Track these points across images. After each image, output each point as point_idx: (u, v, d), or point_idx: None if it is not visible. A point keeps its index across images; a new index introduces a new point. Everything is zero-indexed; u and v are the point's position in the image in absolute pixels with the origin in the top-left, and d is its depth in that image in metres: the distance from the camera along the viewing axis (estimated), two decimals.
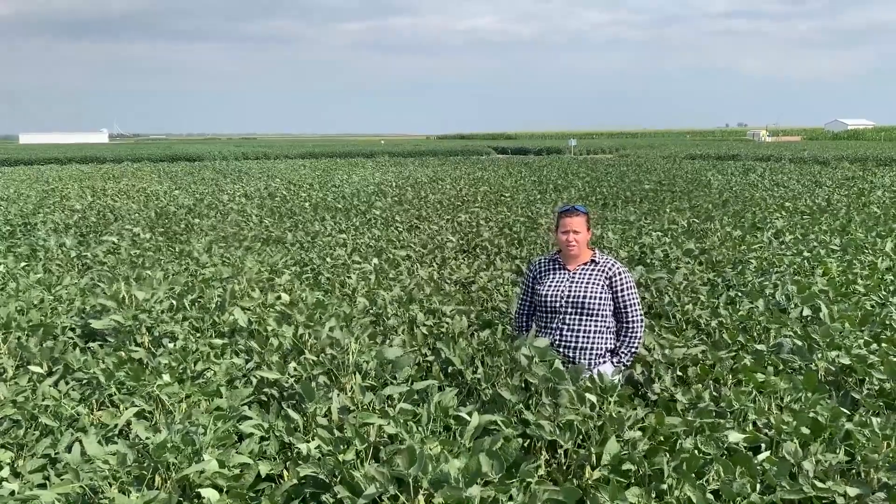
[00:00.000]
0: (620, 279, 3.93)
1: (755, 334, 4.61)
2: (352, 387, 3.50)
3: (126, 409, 3.34)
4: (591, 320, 3.87)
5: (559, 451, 2.94)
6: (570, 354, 3.87)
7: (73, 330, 4.84)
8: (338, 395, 3.28)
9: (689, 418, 3.04)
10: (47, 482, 2.79)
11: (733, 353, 4.03)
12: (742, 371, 3.69)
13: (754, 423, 3.22)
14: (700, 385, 3.63)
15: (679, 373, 3.95)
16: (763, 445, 2.98)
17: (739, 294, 5.60)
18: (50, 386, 3.49)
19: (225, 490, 2.61)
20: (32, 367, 3.77)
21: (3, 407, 3.16)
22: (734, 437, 2.92)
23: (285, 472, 2.89)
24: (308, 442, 2.83)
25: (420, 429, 2.84)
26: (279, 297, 5.35)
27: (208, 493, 2.47)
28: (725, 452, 2.85)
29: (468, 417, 2.93)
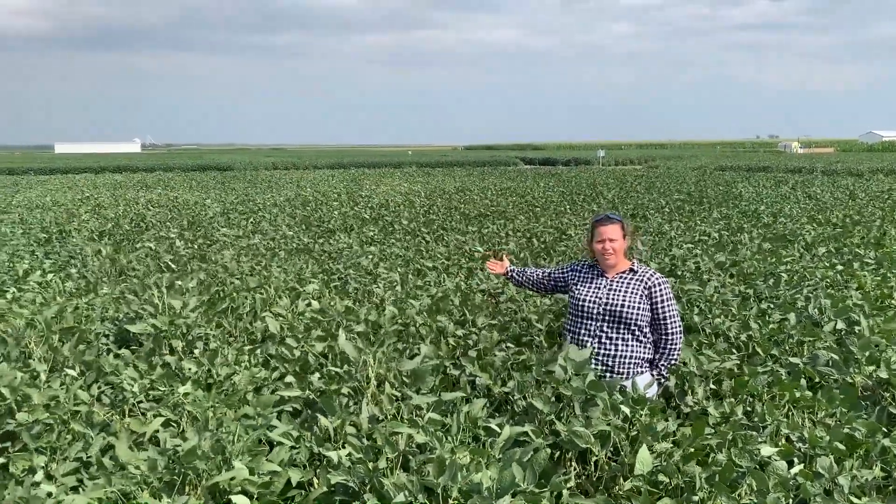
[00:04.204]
0: (659, 290, 3.86)
1: (787, 347, 4.55)
2: (379, 397, 3.51)
3: (154, 416, 3.38)
4: (627, 330, 3.83)
5: (590, 461, 2.92)
6: (608, 363, 3.83)
7: (106, 336, 4.92)
8: (367, 404, 3.29)
9: (723, 430, 3.01)
10: (80, 485, 2.83)
11: (768, 369, 3.97)
12: (777, 385, 3.63)
13: (787, 438, 3.18)
14: (733, 399, 3.58)
15: (713, 386, 3.90)
16: (796, 460, 2.93)
17: (771, 307, 5.53)
18: (82, 390, 3.55)
19: (255, 497, 2.63)
20: (67, 370, 3.83)
21: (36, 410, 3.21)
22: (767, 450, 2.87)
23: (315, 480, 2.90)
24: (338, 450, 2.84)
25: (450, 438, 2.83)
26: (309, 305, 5.39)
27: (239, 499, 2.49)
28: (758, 466, 2.82)
29: (497, 429, 2.93)
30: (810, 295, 5.77)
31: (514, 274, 4.53)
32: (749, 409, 3.52)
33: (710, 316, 5.17)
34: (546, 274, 4.37)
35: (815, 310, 5.26)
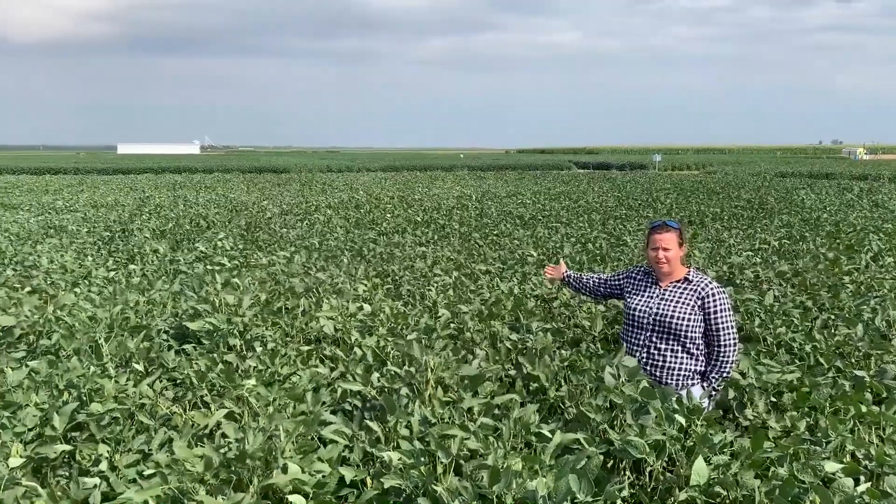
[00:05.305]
0: (713, 300, 3.75)
1: (853, 360, 4.40)
2: (431, 400, 3.51)
3: (217, 409, 3.45)
4: (677, 342, 3.75)
5: (644, 471, 2.87)
6: (657, 374, 3.76)
7: (166, 332, 5.05)
8: (419, 406, 3.29)
9: (784, 443, 2.92)
10: (138, 477, 2.90)
11: (831, 381, 3.85)
12: (841, 399, 3.51)
13: (853, 454, 3.07)
14: (795, 412, 3.48)
15: (773, 398, 3.80)
16: (863, 478, 2.83)
17: (834, 318, 5.36)
18: (147, 385, 3.65)
19: (311, 496, 2.66)
20: (134, 365, 3.95)
21: (107, 401, 3.32)
22: (831, 466, 2.78)
23: (368, 480, 2.92)
24: (391, 452, 2.86)
25: (501, 444, 2.82)
26: (361, 308, 5.44)
27: (295, 498, 2.53)
28: (821, 482, 2.73)
29: (549, 435, 2.90)
30: (878, 307, 5.58)
31: (571, 280, 4.51)
32: (812, 423, 3.42)
33: (770, 326, 5.04)
34: (602, 280, 4.34)
35: (883, 322, 5.08)
